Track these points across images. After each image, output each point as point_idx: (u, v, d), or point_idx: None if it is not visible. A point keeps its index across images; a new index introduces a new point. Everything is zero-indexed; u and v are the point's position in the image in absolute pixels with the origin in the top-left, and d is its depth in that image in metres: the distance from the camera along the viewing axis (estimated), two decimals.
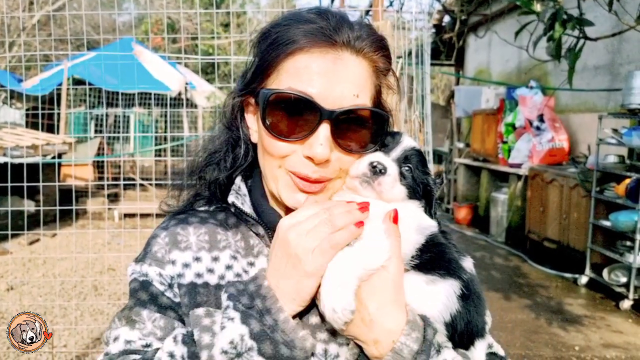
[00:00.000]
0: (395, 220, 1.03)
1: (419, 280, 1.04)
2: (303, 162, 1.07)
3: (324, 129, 1.04)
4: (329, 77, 1.04)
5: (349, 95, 1.06)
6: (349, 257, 0.97)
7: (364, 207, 1.01)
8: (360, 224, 0.99)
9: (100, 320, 5.40)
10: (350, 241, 0.98)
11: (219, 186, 1.24)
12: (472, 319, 1.04)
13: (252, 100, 1.17)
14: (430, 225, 1.11)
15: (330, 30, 1.05)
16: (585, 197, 7.05)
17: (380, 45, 1.12)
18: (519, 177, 9.03)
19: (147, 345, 1.07)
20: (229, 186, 1.23)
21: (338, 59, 1.05)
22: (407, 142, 1.15)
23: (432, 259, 1.06)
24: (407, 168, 1.12)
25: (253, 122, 1.20)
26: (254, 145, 1.22)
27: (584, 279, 6.88)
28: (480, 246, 9.16)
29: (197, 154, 1.29)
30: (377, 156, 1.10)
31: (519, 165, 9.02)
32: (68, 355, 4.56)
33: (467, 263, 1.12)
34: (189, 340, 0.98)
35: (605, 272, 6.51)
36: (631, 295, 6.03)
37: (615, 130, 6.63)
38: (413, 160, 1.13)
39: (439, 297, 1.02)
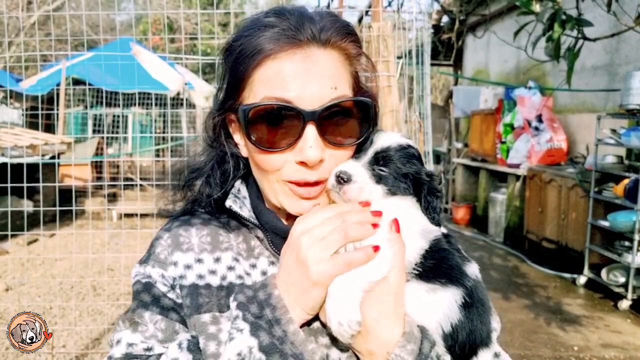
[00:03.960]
0: (398, 229, 1.01)
1: (419, 289, 1.01)
2: (298, 169, 1.05)
3: (311, 131, 1.02)
4: (302, 78, 1.01)
5: (326, 90, 1.02)
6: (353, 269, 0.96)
7: (377, 213, 1.00)
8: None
9: (99, 321, 5.39)
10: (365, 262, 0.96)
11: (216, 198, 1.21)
12: (475, 328, 1.01)
13: (234, 116, 1.14)
14: (434, 229, 1.09)
15: (292, 30, 1.02)
16: (583, 198, 7.06)
17: (346, 32, 1.08)
18: (517, 177, 9.04)
19: (149, 349, 1.07)
20: (228, 190, 1.21)
21: (307, 57, 1.02)
22: (380, 142, 1.10)
23: (435, 265, 1.03)
24: (382, 169, 1.08)
25: (240, 138, 1.17)
26: (246, 158, 1.20)
27: (582, 279, 6.89)
28: (478, 246, 9.17)
29: (180, 172, 1.26)
30: (345, 164, 1.08)
31: (517, 166, 9.03)
32: (67, 356, 4.55)
33: (472, 269, 1.08)
34: (194, 347, 0.97)
35: (603, 272, 6.52)
36: (630, 295, 6.04)
37: (613, 131, 6.65)
38: (391, 158, 1.08)
39: (439, 306, 1.00)
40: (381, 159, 1.09)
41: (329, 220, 0.99)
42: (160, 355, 1.00)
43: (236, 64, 1.06)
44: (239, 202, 1.18)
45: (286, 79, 1.01)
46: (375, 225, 0.99)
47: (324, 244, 0.96)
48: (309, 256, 0.95)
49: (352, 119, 1.08)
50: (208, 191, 1.20)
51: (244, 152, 1.17)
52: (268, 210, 1.17)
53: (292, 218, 1.15)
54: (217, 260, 1.14)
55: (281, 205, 1.11)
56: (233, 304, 0.98)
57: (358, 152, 1.12)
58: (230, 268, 1.14)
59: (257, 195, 1.20)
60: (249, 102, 1.06)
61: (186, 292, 1.11)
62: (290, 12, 1.06)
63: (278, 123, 1.03)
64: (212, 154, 1.22)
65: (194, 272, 1.12)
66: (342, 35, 1.07)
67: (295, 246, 0.98)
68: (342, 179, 1.05)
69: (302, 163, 1.04)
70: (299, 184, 1.06)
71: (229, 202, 1.16)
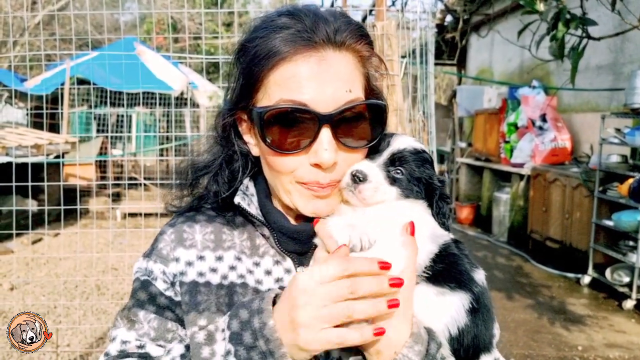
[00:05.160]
0: (412, 232, 1.01)
1: (428, 292, 1.03)
2: (312, 171, 1.06)
3: (326, 134, 1.03)
4: (318, 81, 1.02)
5: (341, 93, 1.03)
6: None
7: (397, 283, 0.93)
8: (392, 303, 0.92)
9: (103, 320, 5.41)
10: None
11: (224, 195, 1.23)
12: (480, 333, 1.03)
13: (245, 116, 1.15)
14: (443, 234, 1.10)
15: (307, 31, 1.02)
16: (587, 197, 7.03)
17: (360, 34, 1.09)
18: (521, 176, 9.02)
19: (141, 347, 1.11)
20: (237, 186, 1.22)
21: (322, 60, 1.02)
22: (397, 145, 1.12)
23: (444, 270, 1.05)
24: (397, 171, 1.10)
25: (250, 137, 1.18)
26: (255, 157, 1.21)
27: (586, 279, 6.87)
28: (482, 246, 9.15)
29: (186, 170, 1.27)
30: (361, 164, 1.10)
31: (521, 165, 9.01)
32: (71, 355, 4.57)
33: (479, 275, 1.10)
34: None
35: (608, 272, 6.50)
36: (634, 295, 6.02)
37: (618, 130, 6.62)
38: (406, 161, 1.11)
39: (447, 309, 1.02)
40: (396, 161, 1.11)
41: (337, 284, 0.91)
42: (155, 357, 1.05)
43: (251, 65, 1.07)
44: (247, 199, 1.18)
45: (302, 81, 1.02)
46: (392, 305, 0.92)
47: (321, 317, 0.90)
48: (301, 322, 0.90)
49: (365, 121, 1.09)
50: (215, 188, 1.21)
51: (254, 151, 1.18)
52: (275, 209, 1.18)
53: (300, 218, 1.16)
54: (219, 258, 1.15)
55: (294, 205, 1.11)
56: (227, 333, 0.97)
57: (372, 153, 1.13)
58: (232, 267, 1.14)
59: (265, 193, 1.21)
60: (264, 104, 1.06)
61: (186, 289, 1.12)
62: (304, 12, 1.06)
63: (293, 125, 1.04)
64: (219, 152, 1.23)
65: (195, 269, 1.13)
66: (357, 37, 1.08)
67: (294, 302, 0.92)
68: (358, 178, 1.07)
69: (317, 165, 1.05)
70: (313, 184, 1.07)
71: (237, 199, 1.17)
